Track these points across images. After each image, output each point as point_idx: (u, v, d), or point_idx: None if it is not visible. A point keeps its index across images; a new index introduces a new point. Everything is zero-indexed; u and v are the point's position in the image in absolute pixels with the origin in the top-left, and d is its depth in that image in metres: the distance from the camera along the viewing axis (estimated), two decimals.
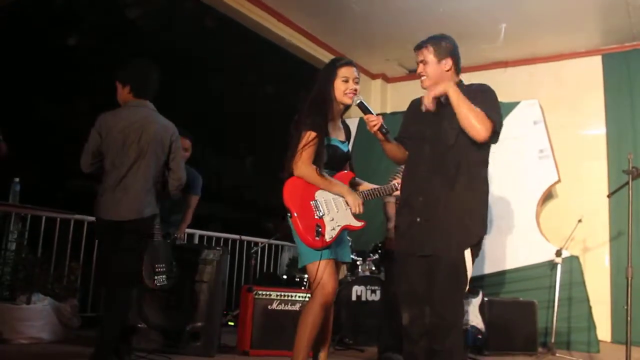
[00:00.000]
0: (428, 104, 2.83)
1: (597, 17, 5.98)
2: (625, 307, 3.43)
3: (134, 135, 3.38)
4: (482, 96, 2.86)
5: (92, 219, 3.81)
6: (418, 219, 2.83)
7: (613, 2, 5.58)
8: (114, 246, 3.37)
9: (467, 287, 2.82)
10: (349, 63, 3.09)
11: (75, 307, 4.51)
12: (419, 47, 2.98)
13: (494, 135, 2.80)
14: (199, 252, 4.20)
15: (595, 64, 6.59)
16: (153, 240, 3.51)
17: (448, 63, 2.93)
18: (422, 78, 2.97)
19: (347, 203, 2.97)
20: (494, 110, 2.82)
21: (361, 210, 2.97)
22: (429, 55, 2.93)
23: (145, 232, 3.46)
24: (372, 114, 2.94)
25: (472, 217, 2.81)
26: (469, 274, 2.77)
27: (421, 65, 2.96)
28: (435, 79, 2.90)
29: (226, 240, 6.60)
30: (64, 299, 4.47)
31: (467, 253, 2.77)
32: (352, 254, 5.24)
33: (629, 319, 3.24)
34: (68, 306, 4.42)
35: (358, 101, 3.01)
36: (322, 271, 2.84)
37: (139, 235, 3.42)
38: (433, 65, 2.92)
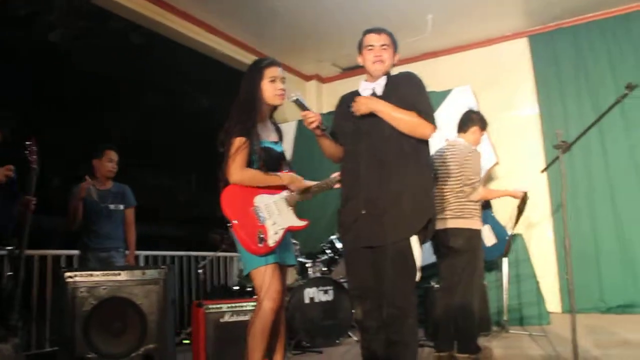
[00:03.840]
0: (358, 112, 2.87)
1: None
2: (566, 277, 3.51)
3: None
4: (410, 88, 2.90)
5: (30, 252, 3.70)
6: (363, 212, 2.82)
7: None
8: None
9: (419, 275, 2.80)
10: (274, 62, 3.01)
11: (17, 346, 4.30)
12: (382, 30, 3.00)
13: (435, 132, 2.87)
14: (144, 272, 4.07)
15: (522, 45, 6.78)
16: None
17: (396, 57, 3.03)
18: (379, 61, 2.95)
19: (288, 203, 2.93)
20: (428, 108, 2.87)
21: (303, 184, 2.97)
22: (390, 43, 2.99)
23: None
24: (310, 110, 2.91)
25: (416, 204, 2.80)
26: (418, 262, 2.76)
27: (383, 48, 2.96)
28: (388, 67, 2.97)
29: (172, 258, 6.43)
30: (4, 338, 4.26)
31: (414, 240, 2.76)
32: (301, 256, 5.22)
33: (570, 287, 3.31)
34: (9, 345, 4.22)
35: (295, 98, 2.93)
36: (267, 276, 2.78)
37: None
38: (391, 54, 2.99)
